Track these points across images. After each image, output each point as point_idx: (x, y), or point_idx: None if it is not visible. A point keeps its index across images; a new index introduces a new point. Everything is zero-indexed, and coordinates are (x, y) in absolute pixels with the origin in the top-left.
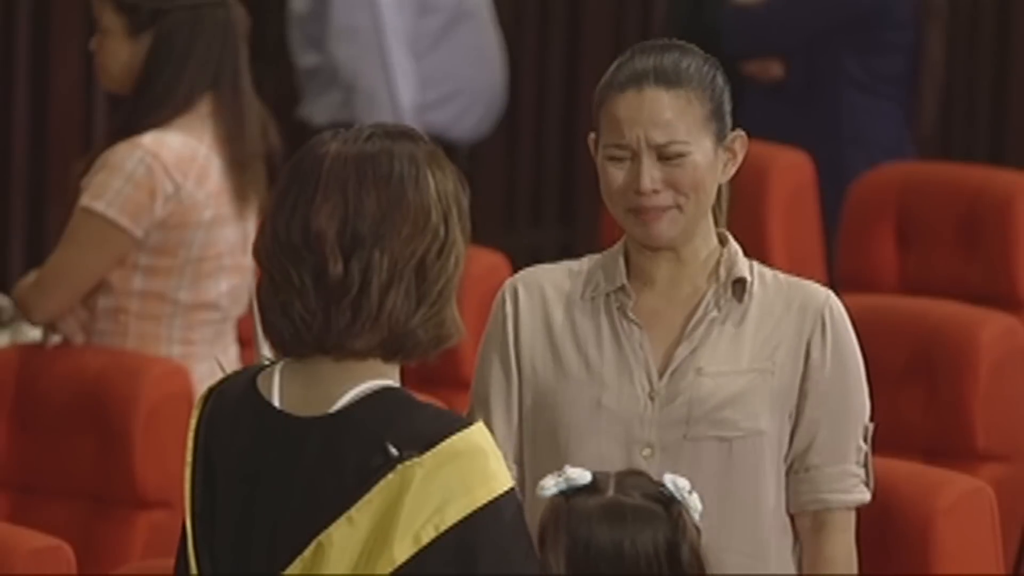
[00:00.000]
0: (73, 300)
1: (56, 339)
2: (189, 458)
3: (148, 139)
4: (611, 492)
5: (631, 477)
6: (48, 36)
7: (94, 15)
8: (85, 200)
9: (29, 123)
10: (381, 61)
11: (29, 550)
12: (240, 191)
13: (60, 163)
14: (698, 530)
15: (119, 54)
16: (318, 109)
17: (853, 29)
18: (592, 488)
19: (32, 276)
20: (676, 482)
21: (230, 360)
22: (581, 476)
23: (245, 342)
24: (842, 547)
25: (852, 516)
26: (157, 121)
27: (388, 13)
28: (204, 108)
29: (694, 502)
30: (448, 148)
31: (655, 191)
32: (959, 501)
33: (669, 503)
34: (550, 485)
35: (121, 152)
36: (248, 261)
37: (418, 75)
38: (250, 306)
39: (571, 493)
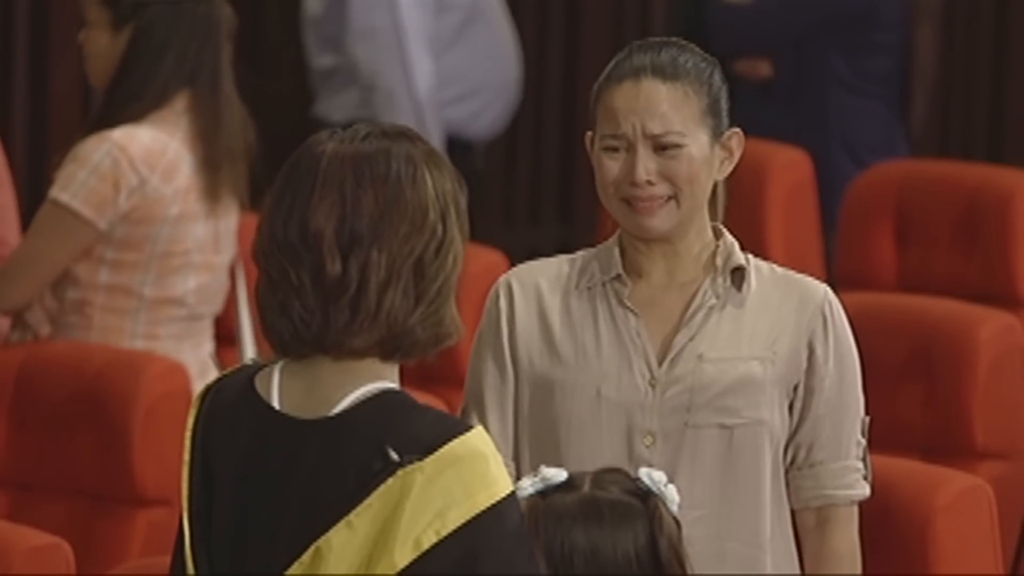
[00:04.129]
0: (37, 290)
1: (14, 336)
2: (186, 457)
3: (118, 133)
4: (587, 488)
5: (608, 473)
6: (46, 35)
7: (81, 9)
8: (53, 191)
9: (28, 122)
10: (400, 60)
11: (28, 548)
12: (212, 189)
13: (59, 163)
14: (677, 523)
15: (103, 47)
16: (335, 108)
17: (840, 29)
18: (568, 486)
19: None
20: (652, 475)
21: (201, 358)
22: (557, 475)
23: (230, 340)
24: (846, 542)
25: (855, 511)
26: (131, 114)
27: (407, 12)
28: (180, 104)
29: (671, 494)
30: (464, 146)
31: (649, 182)
32: (958, 499)
33: (646, 497)
34: (526, 486)
35: (89, 145)
36: (220, 260)
37: (436, 73)
38: (232, 305)
39: (548, 492)
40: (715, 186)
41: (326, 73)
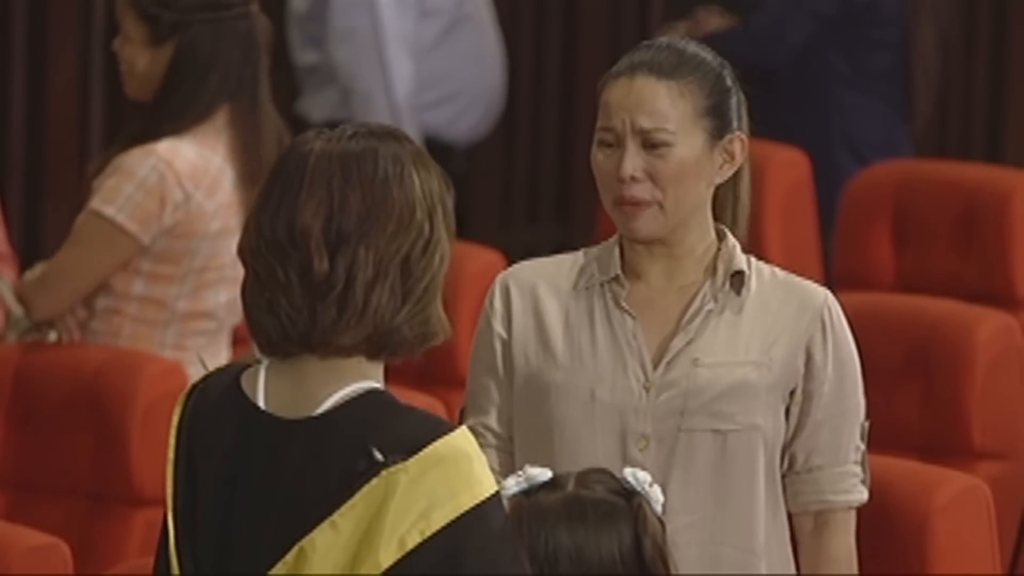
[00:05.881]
0: (74, 300)
1: (52, 336)
2: (171, 455)
3: (163, 147)
4: (571, 488)
5: (593, 473)
6: (44, 36)
7: (117, 18)
8: (96, 203)
9: (26, 122)
10: (379, 63)
11: (26, 548)
12: (250, 203)
13: (56, 162)
14: (661, 523)
15: (141, 62)
16: (315, 106)
17: (841, 27)
18: (552, 485)
19: (37, 270)
20: (636, 475)
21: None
22: (541, 474)
23: (244, 341)
24: (843, 547)
25: (853, 516)
26: (174, 130)
27: (387, 15)
28: (221, 118)
29: (656, 494)
30: (445, 149)
31: (634, 179)
32: (955, 499)
33: (630, 496)
34: (511, 485)
35: (134, 158)
36: None
37: (415, 77)
38: None
39: (532, 491)
40: (737, 190)
41: (308, 70)
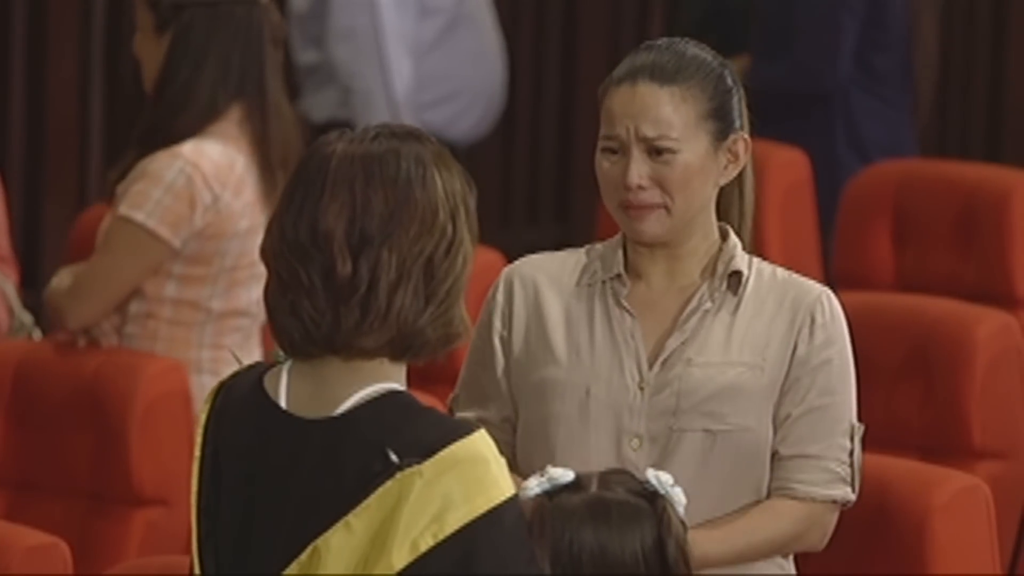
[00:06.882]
0: (109, 307)
1: (81, 342)
2: (197, 452)
3: (188, 148)
4: (594, 489)
5: (615, 474)
6: (44, 34)
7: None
8: (124, 209)
9: (26, 122)
10: (378, 62)
11: (25, 548)
12: (270, 198)
13: (56, 162)
14: (684, 524)
15: (147, 51)
16: (316, 106)
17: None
18: (575, 486)
19: (64, 279)
20: (659, 476)
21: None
22: (564, 475)
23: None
24: (791, 517)
25: (822, 509)
26: (184, 125)
27: (387, 14)
28: (236, 115)
29: (678, 496)
30: (447, 148)
31: (641, 186)
32: (955, 498)
33: (653, 498)
34: (533, 485)
35: (161, 161)
36: None
37: (415, 76)
38: None
39: (554, 492)
40: (742, 189)
41: (308, 70)
